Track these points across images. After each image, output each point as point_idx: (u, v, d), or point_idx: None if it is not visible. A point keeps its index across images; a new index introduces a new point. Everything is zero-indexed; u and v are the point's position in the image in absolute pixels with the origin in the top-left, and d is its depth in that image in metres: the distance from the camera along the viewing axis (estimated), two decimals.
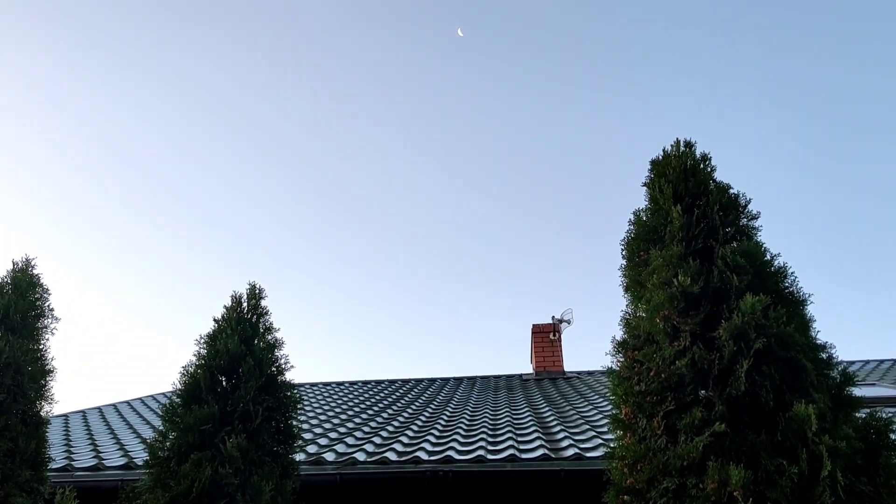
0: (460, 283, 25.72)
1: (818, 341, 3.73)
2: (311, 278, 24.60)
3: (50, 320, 5.14)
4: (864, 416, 3.54)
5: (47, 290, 5.21)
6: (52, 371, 5.01)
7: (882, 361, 13.14)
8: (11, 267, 5.21)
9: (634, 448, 3.67)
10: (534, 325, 14.65)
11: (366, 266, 24.69)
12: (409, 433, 8.25)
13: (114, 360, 25.55)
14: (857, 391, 3.73)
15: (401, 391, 13.17)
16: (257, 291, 5.16)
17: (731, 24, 18.74)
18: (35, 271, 5.24)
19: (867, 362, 13.08)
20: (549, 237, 23.59)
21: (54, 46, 18.13)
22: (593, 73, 20.07)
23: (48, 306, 5.16)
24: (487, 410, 9.79)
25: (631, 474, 3.63)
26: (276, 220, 22.83)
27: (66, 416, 11.22)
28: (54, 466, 6.47)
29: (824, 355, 3.68)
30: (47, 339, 5.11)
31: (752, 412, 3.47)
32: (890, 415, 3.57)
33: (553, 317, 14.53)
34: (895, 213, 20.93)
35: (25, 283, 5.12)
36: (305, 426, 9.19)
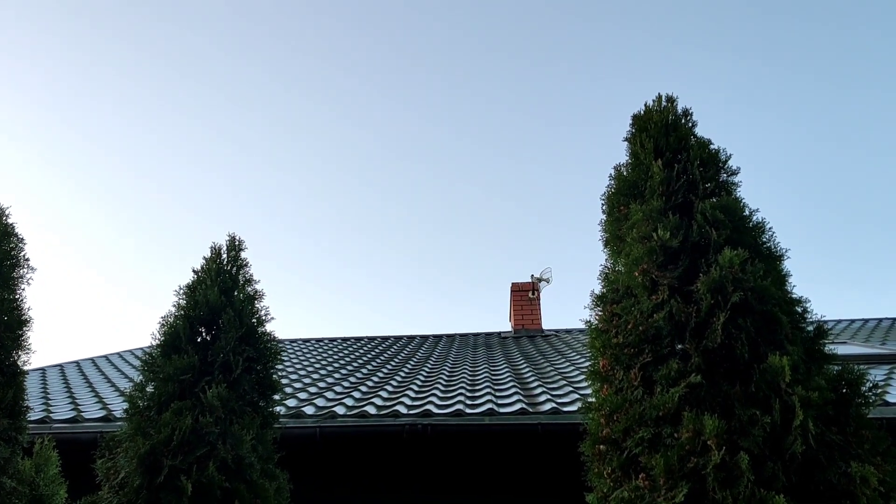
0: (440, 240, 25.74)
1: (794, 296, 3.78)
2: (289, 238, 24.51)
3: (26, 270, 5.05)
4: (836, 369, 3.61)
5: (22, 239, 5.11)
6: (29, 321, 4.94)
7: (853, 321, 13.42)
8: None
9: (611, 399, 3.72)
10: (513, 284, 14.74)
11: (345, 224, 24.62)
12: (389, 388, 8.31)
13: (92, 316, 25.42)
14: (830, 347, 3.80)
15: (380, 348, 13.23)
16: (237, 243, 5.13)
17: None
18: (9, 220, 5.14)
19: (839, 321, 13.35)
20: (529, 196, 23.60)
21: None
22: (578, 25, 19.92)
23: (24, 256, 5.07)
24: (466, 367, 9.87)
25: (607, 424, 3.69)
26: (256, 181, 22.65)
27: (43, 369, 11.17)
28: (32, 418, 6.46)
29: (799, 309, 3.74)
30: (23, 290, 5.04)
31: (727, 364, 3.53)
32: (861, 370, 3.64)
33: (532, 275, 14.62)
34: (878, 180, 21.12)
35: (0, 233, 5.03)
36: (285, 381, 9.22)
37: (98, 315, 25.34)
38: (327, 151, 22.30)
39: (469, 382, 8.37)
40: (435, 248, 26.22)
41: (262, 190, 23.15)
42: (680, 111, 4.40)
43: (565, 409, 6.34)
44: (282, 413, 6.52)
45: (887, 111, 19.89)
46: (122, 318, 25.85)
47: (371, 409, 6.81)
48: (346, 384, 8.93)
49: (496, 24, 20.22)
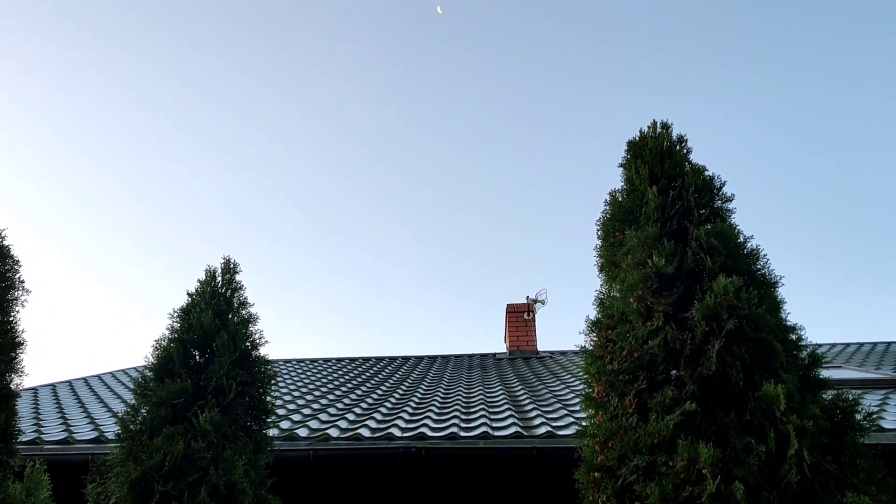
0: (436, 262, 25.75)
1: (788, 323, 3.79)
2: (287, 256, 24.49)
3: (21, 292, 5.04)
4: (831, 396, 3.61)
5: (18, 261, 5.11)
6: (23, 343, 4.93)
7: (848, 345, 13.38)
8: None
9: (606, 426, 3.71)
10: (508, 305, 14.71)
11: (341, 245, 24.62)
12: (383, 410, 8.28)
13: (85, 334, 25.33)
14: (825, 373, 3.80)
15: (375, 369, 13.18)
16: (232, 266, 5.13)
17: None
18: (5, 242, 5.14)
19: (834, 345, 13.31)
20: (525, 217, 23.65)
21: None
22: (575, 48, 20.05)
23: (19, 278, 5.06)
24: (461, 389, 9.84)
25: (602, 452, 3.68)
26: (252, 198, 22.67)
27: (35, 389, 11.11)
28: (23, 439, 6.41)
29: (794, 337, 3.75)
30: (18, 311, 5.02)
31: (722, 392, 3.53)
32: (856, 396, 3.64)
33: (527, 297, 14.60)
34: (871, 200, 21.22)
35: None
36: (279, 402, 9.17)
37: (96, 328, 25.23)
38: (326, 169, 22.35)
39: (464, 405, 8.34)
40: (431, 268, 26.22)
41: (260, 207, 23.16)
42: (675, 138, 4.43)
43: (560, 432, 6.31)
44: (275, 435, 6.49)
45: (885, 125, 19.97)
46: (120, 330, 25.74)
47: (365, 432, 6.78)
48: (340, 406, 8.88)
49: (494, 44, 20.36)
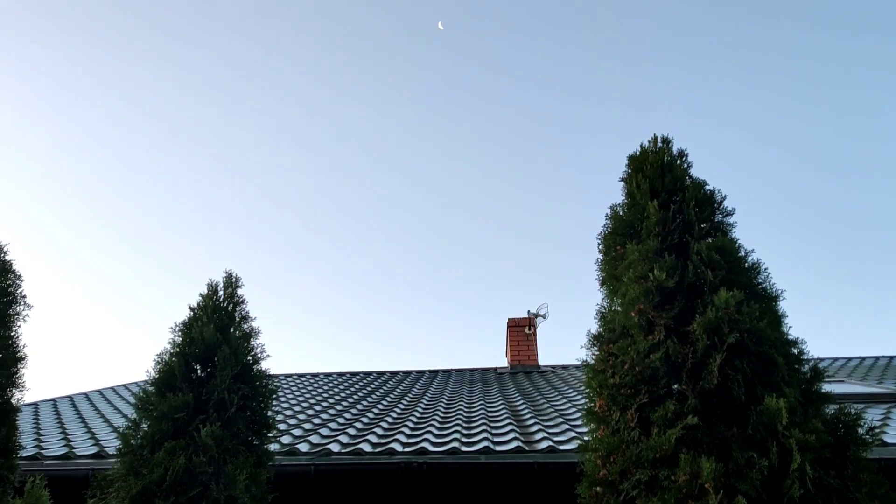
0: (437, 276, 25.74)
1: (790, 337, 3.79)
2: (289, 270, 24.50)
3: (22, 307, 5.05)
4: (833, 410, 3.60)
5: (19, 276, 5.13)
6: (24, 358, 4.94)
7: (850, 359, 13.37)
8: None
9: (608, 440, 3.70)
10: (509, 320, 14.70)
11: (343, 258, 24.63)
12: (384, 425, 8.25)
13: (86, 349, 25.30)
14: (827, 387, 3.80)
15: (376, 383, 13.16)
16: (234, 280, 5.13)
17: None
18: (7, 257, 5.15)
19: (836, 359, 13.30)
20: (526, 231, 23.67)
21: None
22: (577, 59, 20.14)
23: (20, 293, 5.07)
24: (462, 403, 9.82)
25: (604, 466, 3.67)
26: (253, 211, 22.70)
27: (36, 404, 11.09)
28: (24, 454, 6.40)
29: (795, 350, 3.75)
30: (19, 326, 5.03)
31: (724, 405, 3.52)
32: (858, 411, 3.63)
33: (529, 311, 14.59)
34: (874, 212, 21.22)
35: None
36: (280, 417, 9.16)
37: (97, 343, 25.22)
38: (328, 180, 22.40)
39: (465, 419, 8.32)
40: (432, 283, 26.21)
41: (263, 219, 23.19)
42: (675, 152, 4.45)
43: (562, 447, 6.29)
44: (276, 450, 6.47)
45: (886, 132, 19.95)
46: (122, 345, 25.71)
47: (366, 447, 6.76)
48: (341, 420, 8.86)
49: (495, 57, 20.45)
